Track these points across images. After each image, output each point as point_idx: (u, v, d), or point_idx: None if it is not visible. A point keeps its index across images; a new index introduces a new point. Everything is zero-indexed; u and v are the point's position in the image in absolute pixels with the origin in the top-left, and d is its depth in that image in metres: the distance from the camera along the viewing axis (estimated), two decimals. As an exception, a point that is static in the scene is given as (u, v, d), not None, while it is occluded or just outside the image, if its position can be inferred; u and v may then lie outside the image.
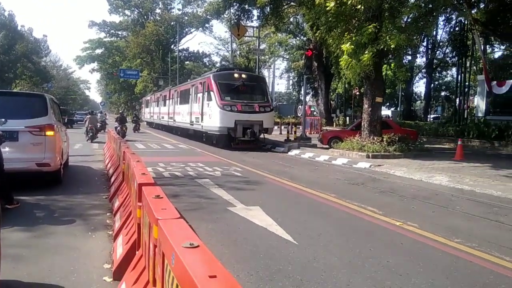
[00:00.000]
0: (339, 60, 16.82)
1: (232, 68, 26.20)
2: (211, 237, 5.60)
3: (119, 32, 75.15)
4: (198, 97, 23.23)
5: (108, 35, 75.23)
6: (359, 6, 14.42)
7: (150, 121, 46.35)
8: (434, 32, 37.47)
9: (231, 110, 19.67)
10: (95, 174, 11.50)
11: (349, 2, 14.46)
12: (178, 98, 30.13)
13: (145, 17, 67.72)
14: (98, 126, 25.76)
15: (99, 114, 32.00)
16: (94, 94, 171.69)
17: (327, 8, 15.20)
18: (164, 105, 36.25)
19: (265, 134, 21.18)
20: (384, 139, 16.40)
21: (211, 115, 20.48)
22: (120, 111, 33.02)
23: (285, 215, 7.01)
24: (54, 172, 8.95)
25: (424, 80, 47.30)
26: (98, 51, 79.57)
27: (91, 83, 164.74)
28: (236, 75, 21.13)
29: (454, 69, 41.32)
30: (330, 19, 15.84)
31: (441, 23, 36.91)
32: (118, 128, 25.01)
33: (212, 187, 9.37)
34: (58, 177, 9.29)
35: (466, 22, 25.68)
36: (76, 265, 4.56)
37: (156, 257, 2.68)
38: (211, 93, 20.56)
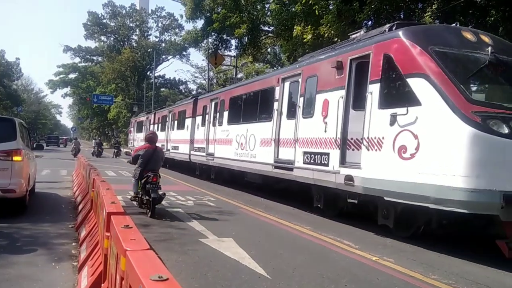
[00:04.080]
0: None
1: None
2: (181, 270, 5.41)
3: (94, 58, 74.92)
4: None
5: (83, 60, 74.90)
6: (335, 39, 14.77)
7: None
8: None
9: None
10: (62, 201, 11.17)
11: (325, 35, 14.81)
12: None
13: (122, 43, 67.81)
14: (78, 149, 33.65)
15: (74, 141, 39.73)
16: (65, 119, 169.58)
17: (304, 40, 15.54)
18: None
19: None
20: None
21: (427, 149, 6.98)
22: (98, 138, 43.48)
23: (258, 247, 6.87)
24: (19, 199, 8.65)
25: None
26: (72, 75, 78.86)
27: (63, 107, 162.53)
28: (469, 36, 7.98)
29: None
30: (307, 50, 16.15)
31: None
32: (95, 148, 35.72)
33: (184, 217, 9.17)
34: (23, 204, 8.96)
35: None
36: (37, 299, 4.32)
37: (123, 290, 2.58)
38: (418, 83, 7.25)
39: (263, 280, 5.21)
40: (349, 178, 8.41)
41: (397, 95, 7.85)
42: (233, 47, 29.39)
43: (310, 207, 10.53)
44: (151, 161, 9.70)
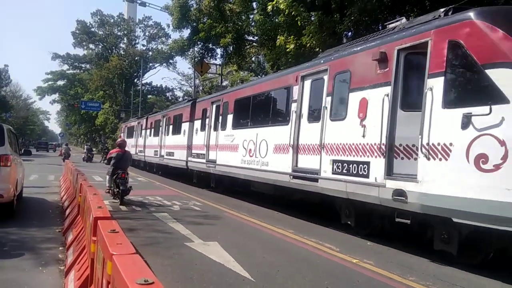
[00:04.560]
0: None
1: None
2: (167, 274, 5.51)
3: (83, 65, 74.45)
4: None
5: (71, 67, 74.36)
6: (317, 49, 15.04)
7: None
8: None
9: None
10: (50, 206, 11.17)
11: (308, 45, 15.09)
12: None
13: (110, 51, 67.32)
14: (68, 154, 33.95)
15: (64, 146, 40.38)
16: (53, 125, 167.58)
17: (287, 50, 15.81)
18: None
19: None
20: None
21: None
22: (89, 144, 44.44)
23: (243, 251, 7.00)
24: (7, 204, 8.68)
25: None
26: (60, 82, 78.22)
27: (51, 114, 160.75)
28: None
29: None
30: (290, 60, 16.42)
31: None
32: (86, 154, 37.32)
33: (170, 222, 9.25)
34: (11, 209, 8.99)
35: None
36: (24, 302, 4.39)
37: (109, 294, 2.61)
38: None
39: (247, 283, 5.33)
40: (399, 193, 6.95)
41: (471, 90, 6.37)
42: (219, 55, 29.56)
43: (332, 222, 9.55)
44: (121, 162, 12.47)
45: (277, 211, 11.58)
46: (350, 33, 16.62)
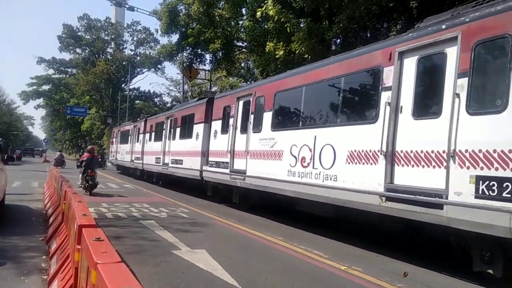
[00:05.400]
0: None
1: None
2: (153, 282, 5.41)
3: (69, 70, 74.06)
4: None
5: (57, 72, 73.93)
6: (306, 56, 15.10)
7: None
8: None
9: None
10: (33, 214, 10.95)
11: (297, 52, 15.15)
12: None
13: (96, 55, 67.14)
14: (62, 161, 35.98)
15: (57, 153, 40.43)
16: (38, 131, 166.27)
17: (277, 56, 15.87)
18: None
19: None
20: None
21: None
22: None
23: (231, 258, 6.91)
24: (-12, 211, 8.47)
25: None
26: (45, 87, 77.58)
27: (35, 119, 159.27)
28: None
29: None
30: (279, 66, 16.48)
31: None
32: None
33: (157, 229, 9.12)
34: (-8, 217, 8.77)
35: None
36: (5, 313, 4.26)
37: (93, 304, 2.55)
38: None
39: (234, 291, 5.25)
40: None
41: None
42: (208, 61, 29.67)
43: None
44: (91, 164, 16.54)
45: (267, 218, 11.52)
46: (338, 40, 16.76)
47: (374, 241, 8.40)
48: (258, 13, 16.01)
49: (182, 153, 17.88)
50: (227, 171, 13.22)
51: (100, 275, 2.43)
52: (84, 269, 3.28)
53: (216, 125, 14.83)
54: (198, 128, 16.39)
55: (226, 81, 41.94)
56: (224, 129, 14.08)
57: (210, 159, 14.92)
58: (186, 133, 17.86)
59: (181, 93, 46.41)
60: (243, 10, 23.21)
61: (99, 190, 16.94)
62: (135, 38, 66.07)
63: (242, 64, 35.37)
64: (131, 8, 34.24)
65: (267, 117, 11.49)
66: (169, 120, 20.84)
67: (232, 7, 21.53)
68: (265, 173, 11.11)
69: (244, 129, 12.72)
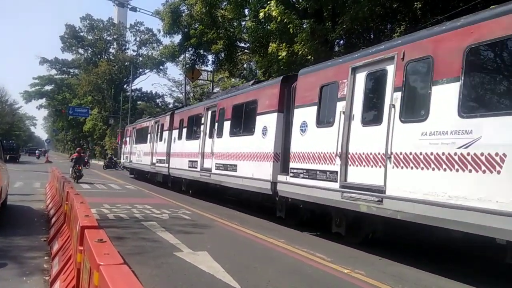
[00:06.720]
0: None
1: None
2: (155, 284, 5.40)
3: (71, 70, 74.14)
4: None
5: (59, 72, 74.05)
6: (309, 57, 15.07)
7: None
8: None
9: None
10: (35, 214, 10.94)
11: (300, 53, 15.11)
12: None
13: (99, 56, 67.25)
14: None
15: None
16: (40, 131, 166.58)
17: (279, 57, 15.82)
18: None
19: None
20: None
21: None
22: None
23: (233, 261, 6.89)
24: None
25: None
26: (48, 87, 77.80)
27: (38, 119, 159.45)
28: None
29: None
30: (282, 67, 16.43)
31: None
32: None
33: (159, 231, 9.10)
34: (-6, 217, 8.77)
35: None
36: (6, 314, 4.25)
37: (95, 306, 2.54)
38: None
39: (236, 294, 5.22)
40: None
41: None
42: (210, 62, 29.63)
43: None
44: (78, 161, 22.83)
45: (269, 220, 11.49)
46: (342, 41, 16.73)
47: (377, 244, 8.36)
48: (261, 14, 15.97)
49: (236, 155, 13.28)
50: (336, 185, 8.58)
51: (102, 276, 2.43)
52: (86, 271, 3.27)
53: (302, 114, 10.09)
54: (267, 120, 11.70)
55: (228, 82, 42.01)
56: (322, 120, 9.50)
57: (292, 165, 10.19)
58: (243, 127, 13.37)
59: (184, 94, 46.51)
60: (246, 11, 23.17)
61: (100, 190, 16.81)
62: (137, 39, 66.18)
63: (245, 65, 35.41)
64: (134, 9, 34.30)
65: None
66: (209, 112, 16.20)
67: (234, 7, 21.50)
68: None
69: (377, 120, 7.97)
